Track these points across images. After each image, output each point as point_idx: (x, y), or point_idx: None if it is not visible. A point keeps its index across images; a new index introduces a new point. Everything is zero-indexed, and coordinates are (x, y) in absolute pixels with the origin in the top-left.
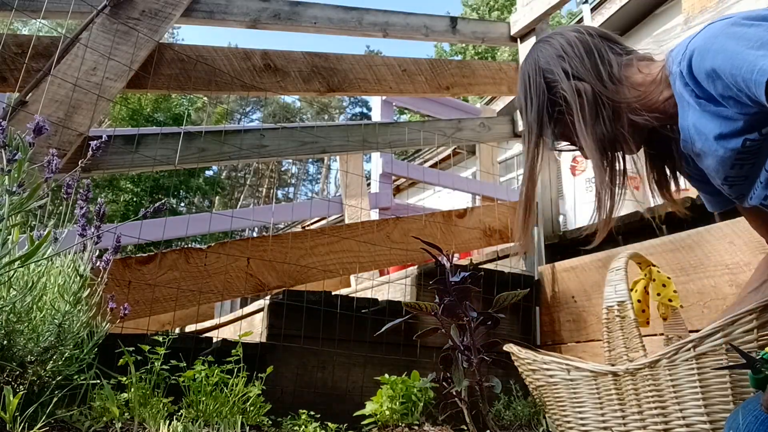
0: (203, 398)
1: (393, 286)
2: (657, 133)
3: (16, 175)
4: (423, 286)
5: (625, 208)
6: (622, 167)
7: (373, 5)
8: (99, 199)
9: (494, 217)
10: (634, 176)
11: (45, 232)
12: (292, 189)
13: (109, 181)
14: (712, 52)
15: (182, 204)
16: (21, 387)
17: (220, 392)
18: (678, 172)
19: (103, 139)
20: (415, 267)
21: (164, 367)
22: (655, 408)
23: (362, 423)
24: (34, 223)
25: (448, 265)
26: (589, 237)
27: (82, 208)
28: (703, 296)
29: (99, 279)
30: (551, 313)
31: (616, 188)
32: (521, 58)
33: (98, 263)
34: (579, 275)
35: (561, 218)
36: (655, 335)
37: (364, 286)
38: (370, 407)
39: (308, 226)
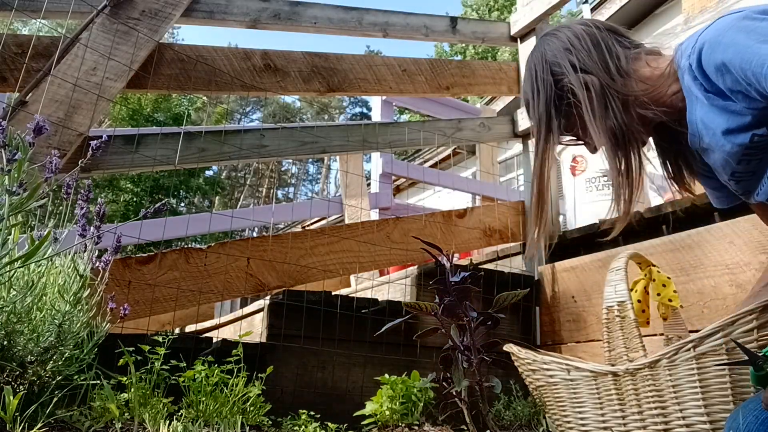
0: (203, 398)
1: (393, 286)
2: (667, 127)
3: (16, 175)
4: (423, 286)
5: None
6: (637, 160)
7: (373, 5)
8: (99, 199)
9: (494, 217)
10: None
11: (45, 232)
12: (292, 189)
13: (109, 181)
14: (722, 45)
15: (182, 204)
16: (21, 387)
17: (220, 392)
18: (693, 166)
19: (103, 139)
20: (415, 267)
21: (164, 367)
22: (655, 408)
23: (362, 423)
24: (34, 223)
25: (448, 265)
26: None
27: (82, 208)
28: (703, 296)
29: (99, 279)
30: (551, 313)
31: (633, 181)
32: (521, 58)
33: (98, 263)
34: (579, 275)
35: (561, 218)
36: (655, 335)
37: (364, 286)
38: (370, 407)
39: (308, 226)
